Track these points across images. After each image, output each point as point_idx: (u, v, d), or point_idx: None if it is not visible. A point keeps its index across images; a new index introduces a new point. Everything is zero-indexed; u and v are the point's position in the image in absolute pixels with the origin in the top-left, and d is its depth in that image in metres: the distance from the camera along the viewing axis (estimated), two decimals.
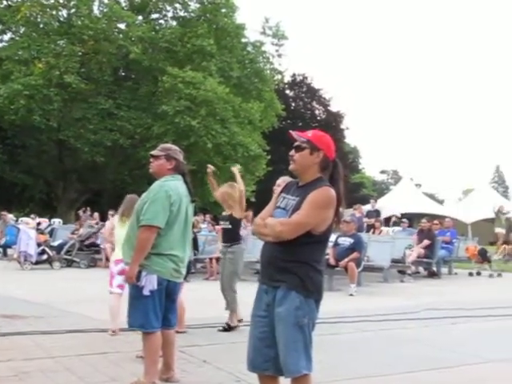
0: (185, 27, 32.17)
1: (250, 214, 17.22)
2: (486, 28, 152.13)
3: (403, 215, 24.46)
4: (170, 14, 34.86)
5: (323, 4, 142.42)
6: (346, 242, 13.25)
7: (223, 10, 33.18)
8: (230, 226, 8.25)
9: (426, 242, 16.24)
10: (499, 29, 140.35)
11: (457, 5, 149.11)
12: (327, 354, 6.34)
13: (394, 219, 21.97)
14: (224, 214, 8.42)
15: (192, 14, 33.86)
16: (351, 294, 12.16)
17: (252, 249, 13.96)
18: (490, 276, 16.69)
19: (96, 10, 32.20)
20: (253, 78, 34.21)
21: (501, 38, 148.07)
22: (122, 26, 32.19)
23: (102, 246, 18.42)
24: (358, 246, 13.22)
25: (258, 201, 26.00)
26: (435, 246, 16.43)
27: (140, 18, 33.75)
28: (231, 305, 8.12)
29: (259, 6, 59.28)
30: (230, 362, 6.11)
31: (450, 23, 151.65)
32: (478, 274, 17.08)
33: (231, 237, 8.28)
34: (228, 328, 7.98)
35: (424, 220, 17.64)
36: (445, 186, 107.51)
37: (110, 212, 20.39)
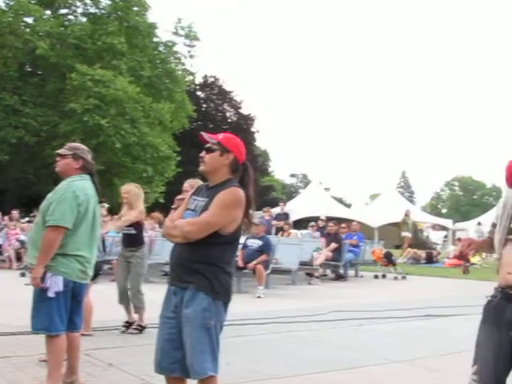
0: (95, 24, 31.61)
1: (159, 215, 17.19)
2: (397, 33, 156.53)
3: (312, 218, 24.81)
4: (79, 10, 34.16)
5: (234, 7, 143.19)
6: (255, 244, 13.34)
7: (135, 9, 32.78)
8: (134, 232, 8.20)
9: (334, 245, 16.52)
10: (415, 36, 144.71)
11: (380, 11, 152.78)
12: (234, 355, 6.35)
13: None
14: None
15: (103, 11, 33.27)
16: (259, 296, 12.22)
17: (161, 250, 13.86)
18: (395, 279, 17.16)
19: (1, 3, 31.19)
20: (164, 78, 33.95)
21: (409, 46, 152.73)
22: (29, 20, 31.33)
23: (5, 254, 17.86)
24: (266, 248, 13.31)
25: (168, 202, 25.86)
26: (342, 249, 16.74)
27: (48, 12, 32.91)
28: (140, 306, 8.04)
29: (172, 6, 59.02)
30: (136, 364, 6.04)
31: (360, 25, 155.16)
32: (384, 276, 17.51)
33: (136, 241, 8.25)
34: (141, 329, 7.91)
35: (331, 223, 17.95)
36: (353, 191, 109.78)
37: (14, 212, 19.83)
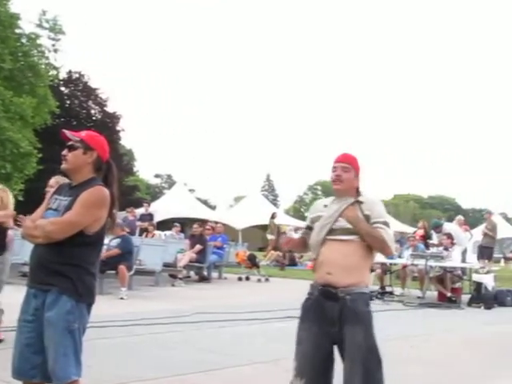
0: None
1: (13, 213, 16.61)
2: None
3: (176, 220, 24.74)
4: None
5: (102, 2, 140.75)
6: (114, 242, 13.34)
7: None
8: None
9: (198, 246, 16.54)
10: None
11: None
12: (97, 358, 6.22)
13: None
14: None
15: None
16: (122, 298, 12.06)
17: (19, 250, 13.33)
18: (259, 281, 17.40)
19: None
20: (26, 72, 32.66)
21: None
22: None
23: None
24: (122, 246, 13.25)
25: (27, 200, 24.94)
26: (206, 250, 16.79)
27: None
28: None
29: None
30: None
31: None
32: (247, 278, 17.72)
33: None
34: None
35: (196, 225, 17.98)
36: (217, 193, 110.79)
37: None
